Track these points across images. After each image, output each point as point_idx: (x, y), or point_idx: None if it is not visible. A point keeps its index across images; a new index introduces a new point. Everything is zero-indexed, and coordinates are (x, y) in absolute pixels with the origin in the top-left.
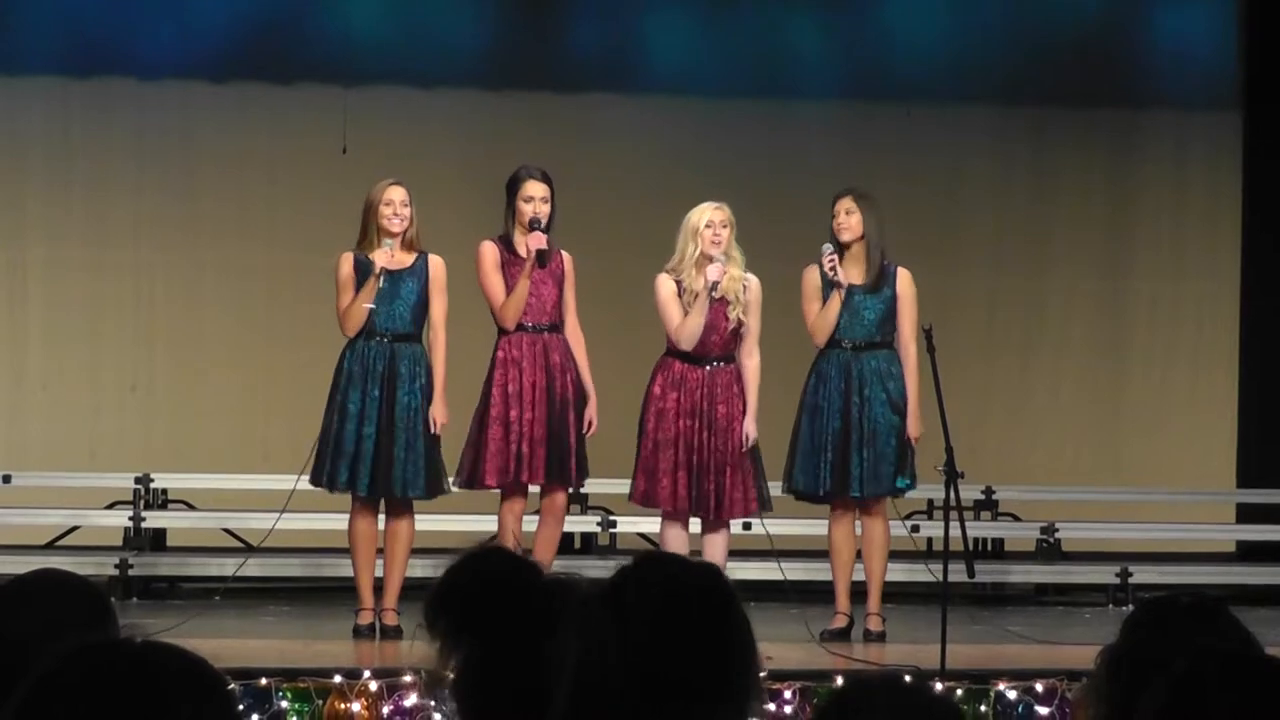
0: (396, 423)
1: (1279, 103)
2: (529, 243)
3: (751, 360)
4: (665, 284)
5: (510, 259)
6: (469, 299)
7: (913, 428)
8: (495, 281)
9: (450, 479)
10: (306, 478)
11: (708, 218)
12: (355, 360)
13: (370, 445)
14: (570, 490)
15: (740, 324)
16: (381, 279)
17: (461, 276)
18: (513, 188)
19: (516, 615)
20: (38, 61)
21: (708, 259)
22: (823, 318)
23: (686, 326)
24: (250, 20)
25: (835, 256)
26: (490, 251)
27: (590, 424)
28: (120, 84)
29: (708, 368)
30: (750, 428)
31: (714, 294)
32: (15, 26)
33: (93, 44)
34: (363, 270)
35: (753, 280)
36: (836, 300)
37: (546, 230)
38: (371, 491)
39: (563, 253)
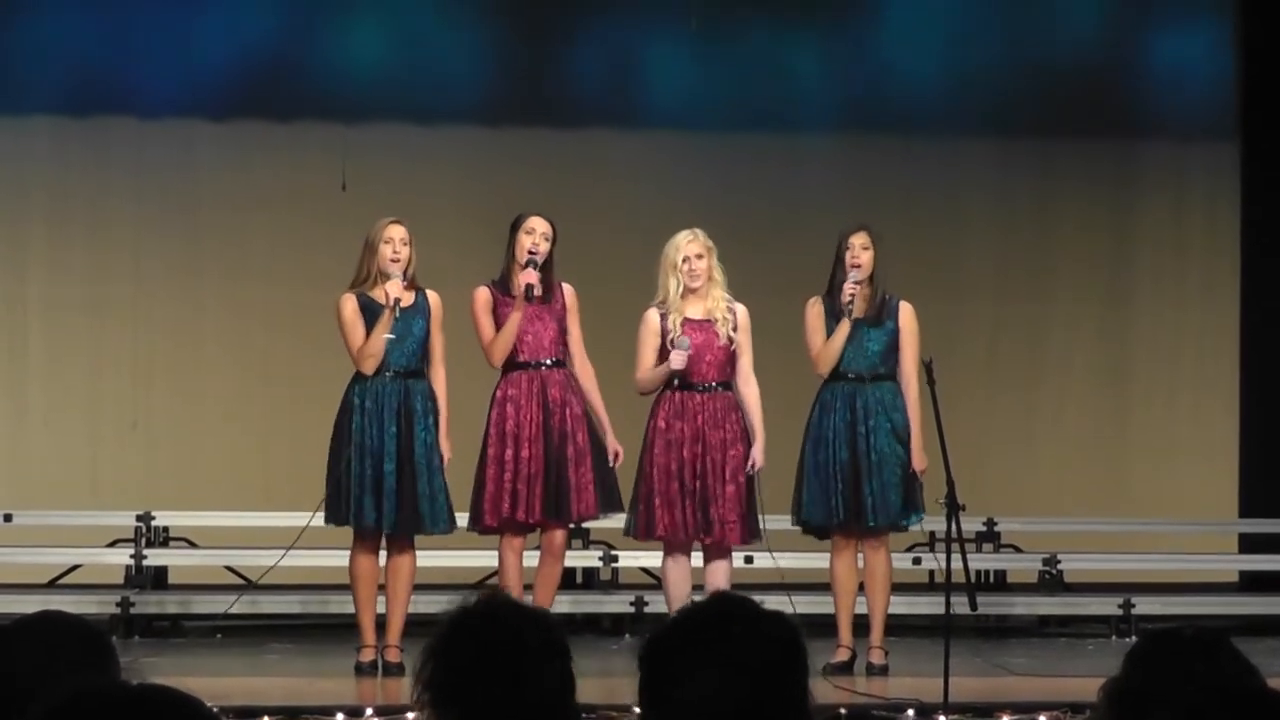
0: (417, 460)
1: (1276, 132)
2: (520, 279)
3: (749, 387)
4: (647, 322)
5: (503, 299)
6: (466, 338)
7: (917, 460)
8: (485, 324)
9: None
10: (321, 517)
11: (683, 253)
12: (368, 396)
13: (393, 482)
14: (573, 526)
15: (731, 342)
16: (397, 310)
17: (461, 313)
18: (515, 225)
19: (507, 680)
20: (38, 100)
21: (673, 346)
22: (828, 348)
23: (644, 380)
24: (250, 58)
25: (857, 288)
26: (483, 296)
27: (616, 455)
28: (120, 122)
29: (704, 394)
30: (757, 455)
31: (675, 368)
32: (16, 65)
33: (93, 83)
34: (368, 308)
35: (739, 308)
36: (843, 330)
37: (546, 270)
38: (399, 528)
39: (564, 286)
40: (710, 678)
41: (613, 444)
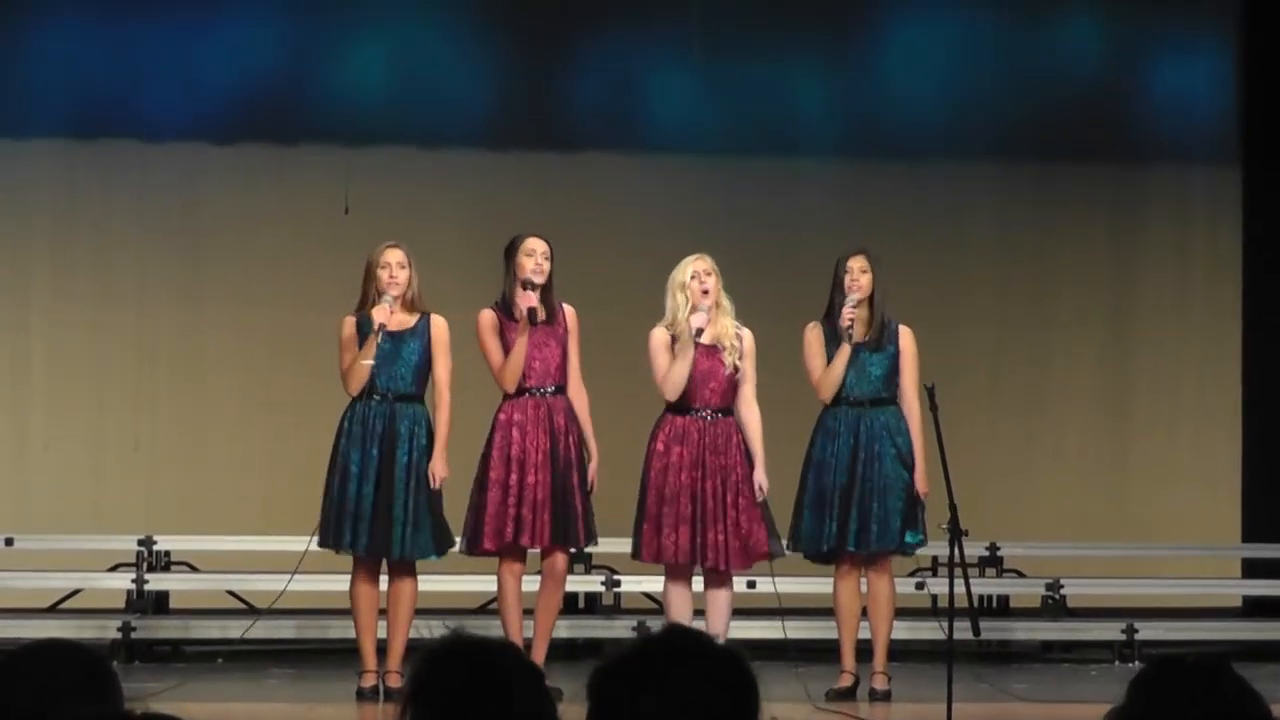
0: (395, 482)
1: (1278, 158)
2: (520, 302)
3: (751, 412)
4: (657, 335)
5: (508, 324)
6: (470, 362)
7: (920, 483)
8: (493, 347)
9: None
10: (316, 540)
11: (691, 270)
12: (356, 420)
13: (369, 505)
14: (574, 551)
15: (737, 371)
16: (381, 336)
17: (463, 336)
18: (512, 248)
19: (493, 706)
20: (42, 123)
21: (694, 309)
22: (830, 373)
23: (671, 375)
24: (253, 82)
25: (856, 312)
26: (488, 319)
27: (591, 484)
28: (124, 145)
29: (706, 419)
30: (761, 478)
31: (697, 339)
32: (20, 88)
33: (97, 106)
34: (364, 331)
35: (746, 332)
36: (844, 355)
37: (546, 292)
38: (370, 552)
39: (565, 307)
40: (657, 712)
41: (592, 471)
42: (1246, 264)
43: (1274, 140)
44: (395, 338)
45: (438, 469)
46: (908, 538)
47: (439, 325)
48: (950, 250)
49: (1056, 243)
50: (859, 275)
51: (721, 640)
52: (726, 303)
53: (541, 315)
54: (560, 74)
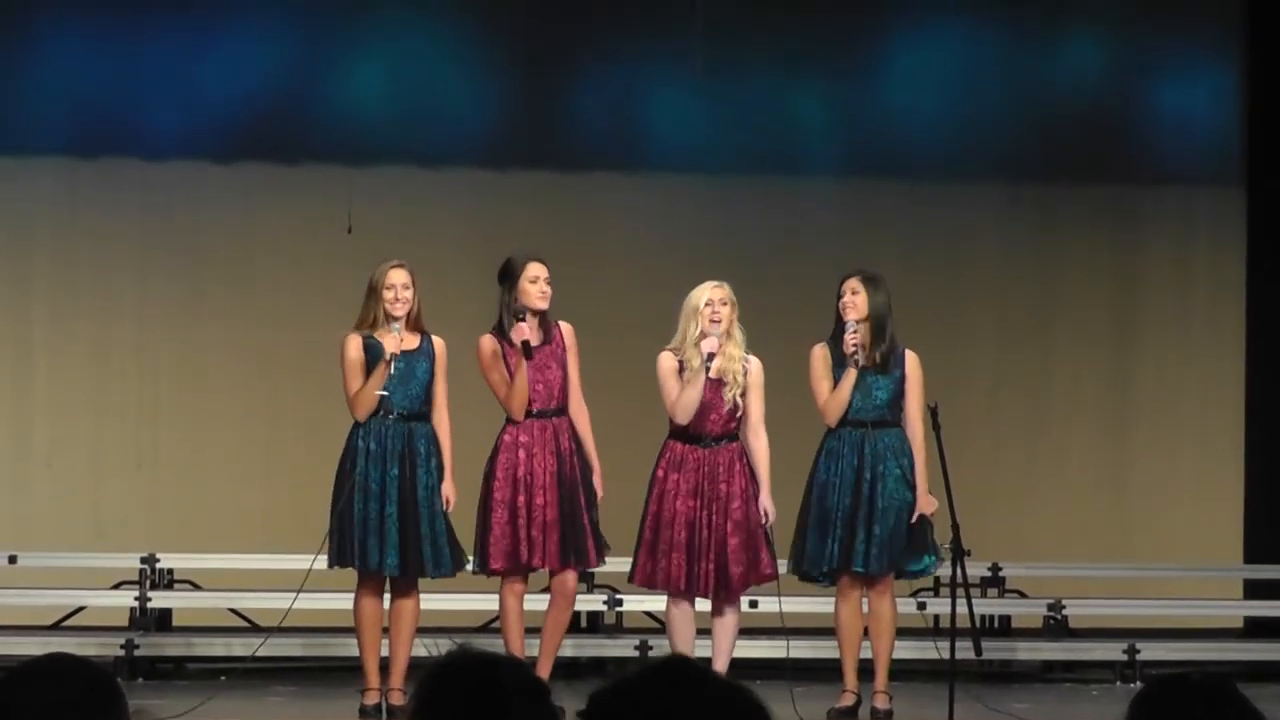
0: (420, 502)
1: None
2: (513, 336)
3: (759, 440)
4: (666, 360)
5: (510, 350)
6: (471, 382)
7: (925, 504)
8: (497, 377)
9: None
10: (323, 559)
11: (707, 296)
12: (371, 439)
13: (394, 524)
14: (586, 569)
15: (737, 405)
16: (393, 365)
17: (465, 357)
18: (512, 272)
19: None
20: (44, 141)
21: (704, 335)
22: (835, 397)
23: (682, 400)
24: (255, 101)
25: (858, 335)
26: (489, 345)
27: (597, 492)
28: (126, 164)
29: (706, 448)
30: (767, 503)
31: (709, 364)
32: (22, 106)
33: (99, 124)
34: (371, 353)
35: (754, 362)
36: (850, 379)
37: (543, 313)
38: (403, 571)
39: (561, 326)
40: None
41: (598, 482)
42: (1250, 285)
43: (1277, 160)
44: (407, 357)
45: (450, 493)
46: (923, 561)
47: (441, 347)
48: (952, 270)
49: (1058, 262)
50: (850, 297)
51: (725, 660)
52: (738, 334)
53: (535, 341)
54: (562, 93)
